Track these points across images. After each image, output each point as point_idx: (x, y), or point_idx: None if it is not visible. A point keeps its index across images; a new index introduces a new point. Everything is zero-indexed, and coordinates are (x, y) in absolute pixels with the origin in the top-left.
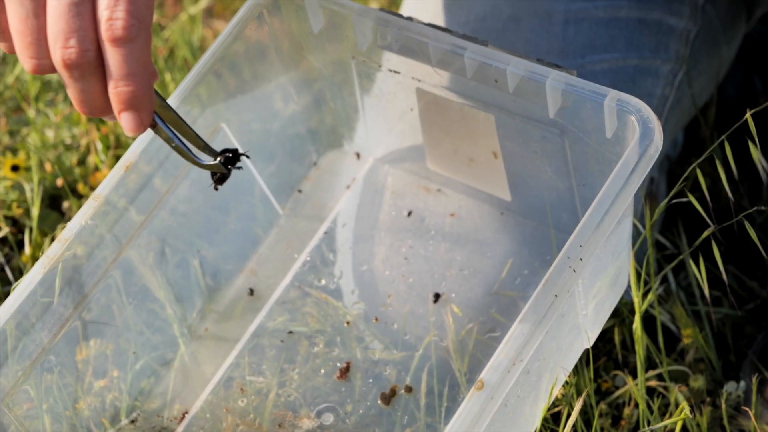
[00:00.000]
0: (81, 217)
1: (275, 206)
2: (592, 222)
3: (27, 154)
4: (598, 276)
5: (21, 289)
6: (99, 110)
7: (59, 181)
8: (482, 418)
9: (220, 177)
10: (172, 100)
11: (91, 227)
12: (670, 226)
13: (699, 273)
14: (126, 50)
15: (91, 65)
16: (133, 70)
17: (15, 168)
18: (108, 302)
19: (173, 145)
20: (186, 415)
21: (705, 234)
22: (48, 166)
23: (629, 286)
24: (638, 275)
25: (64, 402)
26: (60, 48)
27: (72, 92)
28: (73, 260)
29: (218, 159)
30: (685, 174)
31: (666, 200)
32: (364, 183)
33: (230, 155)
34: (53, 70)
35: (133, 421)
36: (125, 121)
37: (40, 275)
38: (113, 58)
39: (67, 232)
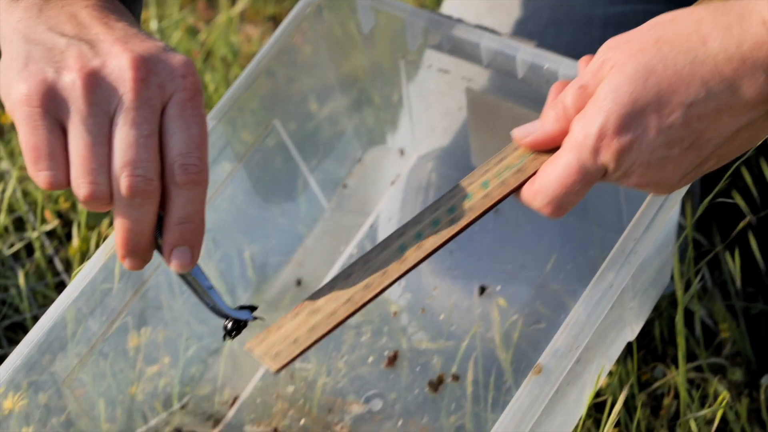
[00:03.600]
0: None
1: (321, 201)
2: (645, 217)
3: None
4: (644, 270)
5: (82, 276)
6: (143, 247)
7: None
8: (539, 402)
9: (234, 327)
10: (225, 99)
11: None
12: (705, 225)
13: (734, 265)
14: (195, 192)
15: (152, 195)
16: (199, 209)
17: None
18: (158, 293)
19: (199, 293)
20: (236, 400)
21: (741, 224)
22: None
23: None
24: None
25: (118, 386)
26: (128, 176)
27: (124, 224)
28: None
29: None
30: (730, 171)
31: (711, 196)
32: (407, 179)
33: (245, 307)
34: (107, 198)
35: (183, 407)
36: (178, 257)
37: (101, 262)
38: (182, 197)
39: None
